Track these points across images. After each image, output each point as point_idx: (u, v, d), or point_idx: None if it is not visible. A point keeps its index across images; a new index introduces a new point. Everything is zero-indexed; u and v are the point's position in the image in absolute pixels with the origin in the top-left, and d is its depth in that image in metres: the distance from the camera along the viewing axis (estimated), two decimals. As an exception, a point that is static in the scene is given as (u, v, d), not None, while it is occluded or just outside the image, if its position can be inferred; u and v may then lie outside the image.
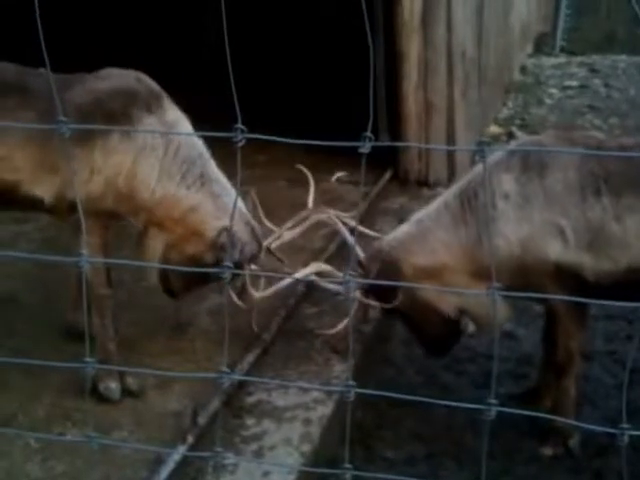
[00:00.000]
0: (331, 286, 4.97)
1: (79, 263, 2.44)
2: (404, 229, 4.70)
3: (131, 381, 4.71)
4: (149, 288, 5.46)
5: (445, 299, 4.55)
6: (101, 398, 4.62)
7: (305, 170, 5.01)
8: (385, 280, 4.43)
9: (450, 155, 8.07)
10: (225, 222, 4.61)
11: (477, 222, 4.42)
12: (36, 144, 4.41)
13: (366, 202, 7.12)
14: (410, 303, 4.59)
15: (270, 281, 4.98)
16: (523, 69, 13.18)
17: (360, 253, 4.72)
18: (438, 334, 4.73)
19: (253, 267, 4.86)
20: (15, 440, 4.28)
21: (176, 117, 4.70)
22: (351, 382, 2.29)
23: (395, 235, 4.70)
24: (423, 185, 8.03)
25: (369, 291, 4.72)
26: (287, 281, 4.95)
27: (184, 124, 4.72)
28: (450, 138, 8.06)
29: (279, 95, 9.94)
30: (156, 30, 12.11)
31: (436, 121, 8.04)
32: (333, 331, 4.85)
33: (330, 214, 5.08)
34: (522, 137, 8.67)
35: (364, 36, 2.25)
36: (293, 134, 2.37)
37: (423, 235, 4.58)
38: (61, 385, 4.66)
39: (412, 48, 7.88)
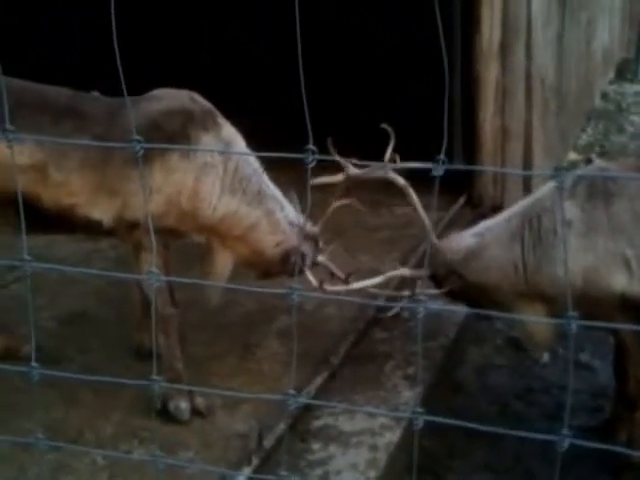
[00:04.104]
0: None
1: (149, 281, 2.44)
2: (467, 242, 4.64)
3: (200, 401, 4.71)
4: (220, 309, 5.47)
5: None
6: (169, 417, 4.63)
7: (388, 128, 4.86)
8: (444, 281, 4.61)
9: (526, 181, 7.95)
10: (278, 237, 4.78)
11: (537, 246, 4.35)
12: (94, 168, 4.43)
13: (439, 227, 7.04)
14: (467, 294, 4.67)
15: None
16: (604, 95, 13.03)
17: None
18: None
19: (320, 258, 5.02)
20: (82, 457, 4.30)
21: (230, 134, 4.72)
22: (419, 409, 2.23)
23: (459, 245, 4.65)
24: (498, 211, 7.91)
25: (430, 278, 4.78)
26: (373, 282, 4.89)
27: (238, 140, 4.74)
28: (527, 165, 7.95)
29: (354, 115, 9.94)
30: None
31: (513, 148, 7.94)
32: (391, 313, 5.01)
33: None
34: (594, 164, 8.52)
35: (442, 61, 2.20)
36: (364, 157, 2.33)
37: (481, 251, 4.53)
38: (130, 403, 4.68)
39: (490, 74, 7.80)
